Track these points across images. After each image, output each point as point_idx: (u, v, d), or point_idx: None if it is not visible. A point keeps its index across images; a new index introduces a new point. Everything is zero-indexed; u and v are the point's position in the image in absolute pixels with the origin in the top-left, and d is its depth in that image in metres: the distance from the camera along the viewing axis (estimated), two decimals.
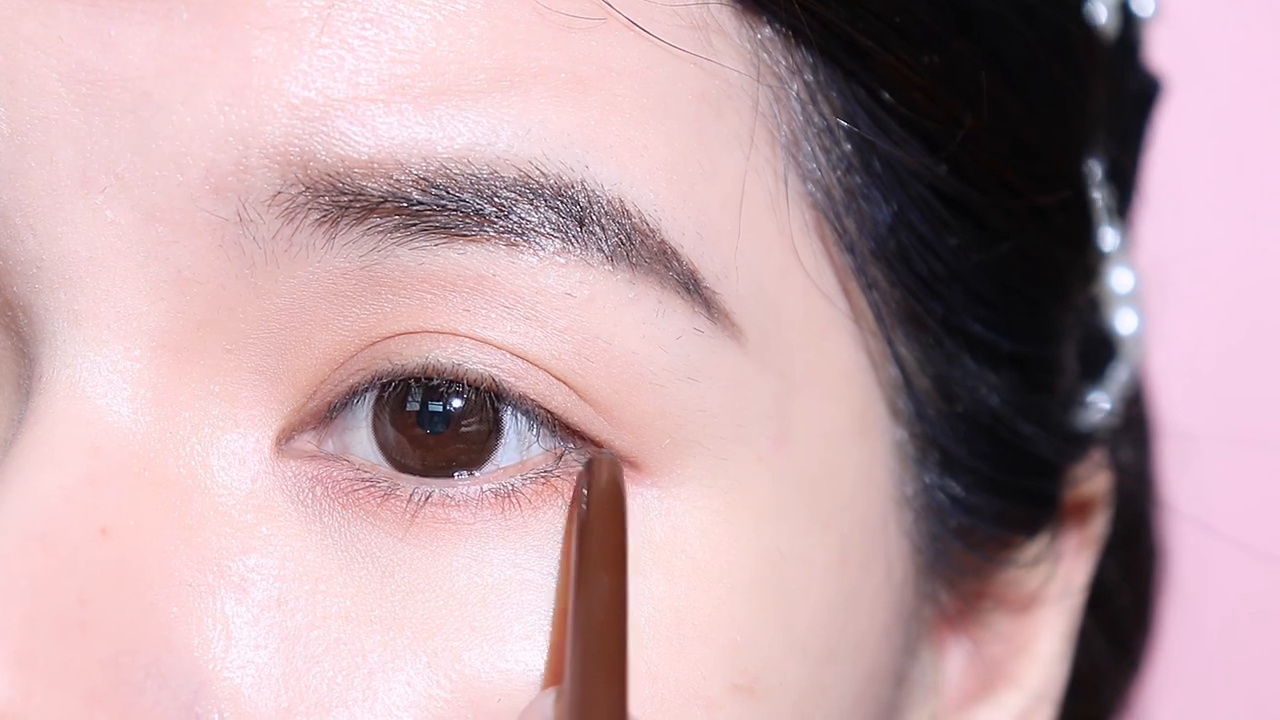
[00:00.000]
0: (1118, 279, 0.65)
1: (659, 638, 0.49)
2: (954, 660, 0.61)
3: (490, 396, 0.49)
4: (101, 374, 0.48)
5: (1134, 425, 0.69)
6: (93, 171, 0.47)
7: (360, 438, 0.50)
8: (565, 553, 0.48)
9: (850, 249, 0.53)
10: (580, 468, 0.49)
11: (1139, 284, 0.65)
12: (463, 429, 0.49)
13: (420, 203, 0.47)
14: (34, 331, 0.48)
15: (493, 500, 0.49)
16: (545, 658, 0.48)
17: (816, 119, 0.52)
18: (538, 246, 0.48)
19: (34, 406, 0.48)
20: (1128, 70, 0.65)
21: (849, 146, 0.52)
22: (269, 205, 0.47)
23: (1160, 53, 0.67)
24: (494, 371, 0.48)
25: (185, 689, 0.47)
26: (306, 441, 0.49)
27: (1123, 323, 0.65)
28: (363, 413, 0.49)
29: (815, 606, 0.52)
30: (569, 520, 0.48)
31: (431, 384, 0.49)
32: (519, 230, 0.47)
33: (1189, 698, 0.82)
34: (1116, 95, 0.63)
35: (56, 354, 0.48)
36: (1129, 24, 0.65)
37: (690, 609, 0.50)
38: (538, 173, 0.47)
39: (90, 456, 0.47)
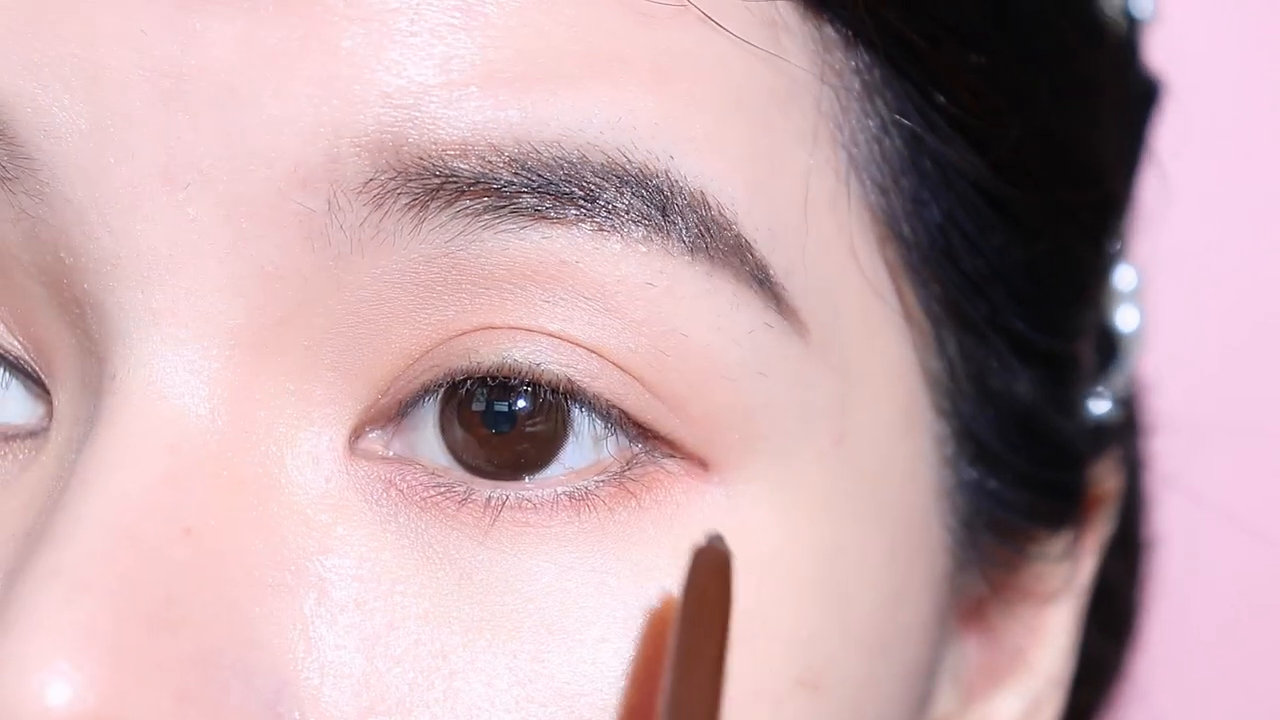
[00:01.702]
0: (1121, 276, 0.66)
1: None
2: (971, 648, 0.62)
3: (563, 397, 0.49)
4: (179, 373, 0.47)
5: (1130, 420, 0.70)
6: (175, 168, 0.46)
7: (427, 436, 0.49)
8: (663, 635, 0.49)
9: (904, 248, 0.53)
10: (651, 468, 0.49)
11: (1140, 281, 0.66)
12: (528, 429, 0.49)
13: (510, 184, 0.47)
14: (104, 330, 0.48)
15: (568, 504, 0.49)
16: (620, 660, 0.48)
17: (873, 119, 0.52)
18: (623, 232, 0.47)
19: (109, 405, 0.47)
20: (1129, 70, 0.67)
21: (902, 147, 0.53)
22: (359, 193, 0.46)
23: (1157, 54, 0.68)
24: (569, 372, 0.48)
25: (268, 688, 0.46)
26: (374, 441, 0.49)
27: (1124, 320, 0.66)
28: (430, 411, 0.49)
29: (870, 601, 0.53)
30: (680, 606, 0.47)
31: (504, 382, 0.49)
32: (605, 214, 0.47)
33: (1183, 687, 0.83)
34: (1123, 94, 0.64)
35: (131, 352, 0.47)
36: (1130, 25, 0.66)
37: (756, 606, 0.50)
38: (624, 159, 0.47)
39: (170, 455, 0.46)
